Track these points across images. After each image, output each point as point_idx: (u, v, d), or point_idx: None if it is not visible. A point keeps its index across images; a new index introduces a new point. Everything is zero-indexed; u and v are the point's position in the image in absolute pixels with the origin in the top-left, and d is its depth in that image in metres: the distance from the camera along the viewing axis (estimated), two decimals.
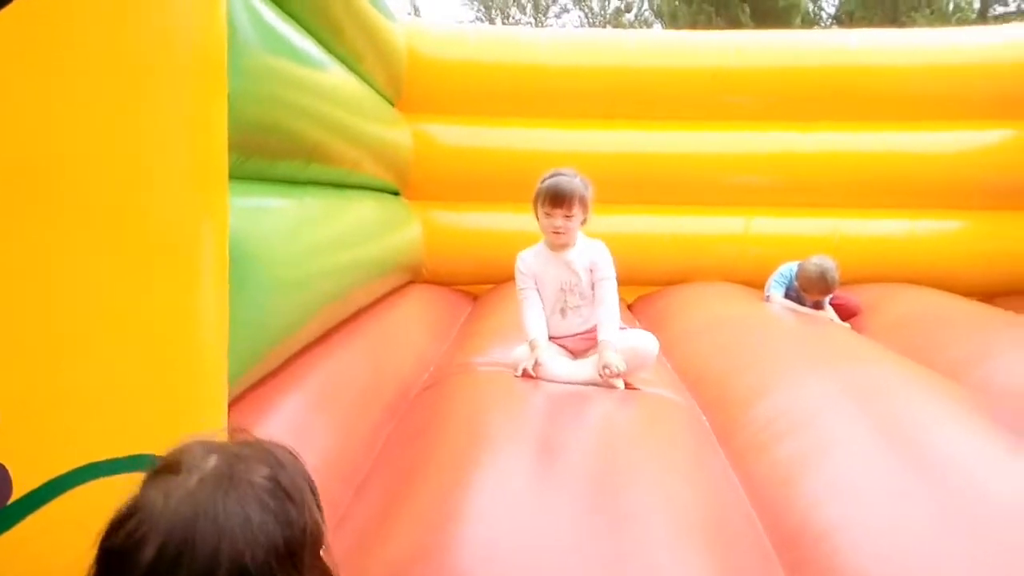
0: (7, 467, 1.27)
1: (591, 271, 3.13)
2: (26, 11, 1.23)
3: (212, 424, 1.48)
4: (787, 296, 4.78)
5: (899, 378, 2.89)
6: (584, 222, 3.15)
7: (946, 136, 5.60)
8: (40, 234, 1.27)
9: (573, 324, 3.17)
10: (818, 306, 4.69)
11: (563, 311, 3.17)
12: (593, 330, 3.11)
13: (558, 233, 3.10)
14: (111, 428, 1.32)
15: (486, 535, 1.75)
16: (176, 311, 1.40)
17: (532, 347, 3.05)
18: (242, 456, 0.96)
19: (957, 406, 2.57)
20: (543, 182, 3.13)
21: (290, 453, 1.01)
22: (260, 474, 0.95)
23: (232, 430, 1.08)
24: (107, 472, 1.29)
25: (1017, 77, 5.50)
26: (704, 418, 2.99)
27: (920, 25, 16.79)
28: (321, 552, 0.98)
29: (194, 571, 0.86)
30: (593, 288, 3.13)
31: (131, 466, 1.27)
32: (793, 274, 4.78)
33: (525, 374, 2.98)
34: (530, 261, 3.21)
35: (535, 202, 3.14)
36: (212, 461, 0.95)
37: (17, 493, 1.27)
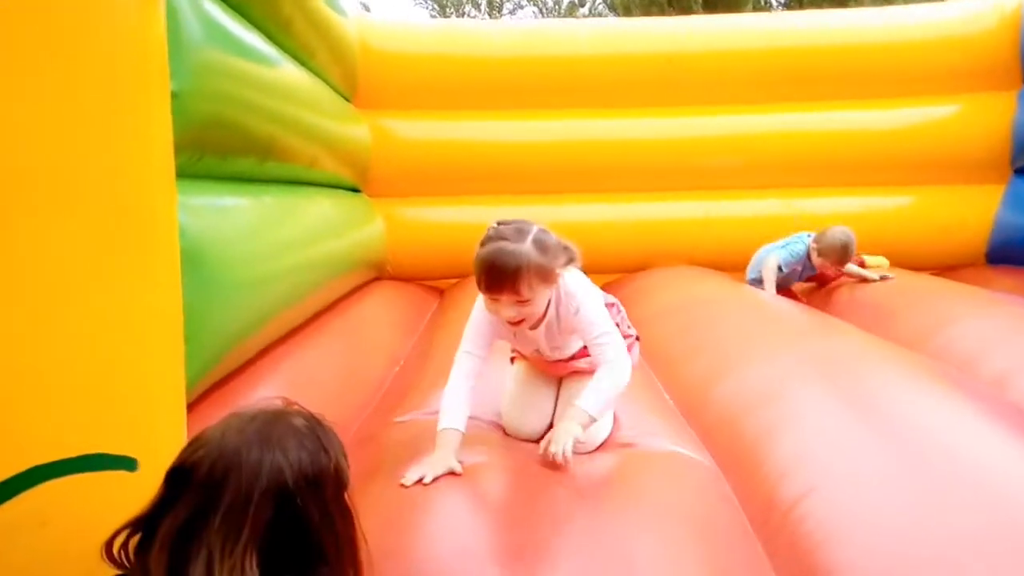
0: None
1: (572, 335, 2.35)
2: None
3: (170, 424, 1.46)
4: (793, 270, 4.85)
5: (861, 349, 2.94)
6: (551, 286, 2.18)
7: (896, 113, 5.69)
8: None
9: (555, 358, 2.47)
10: (824, 279, 4.91)
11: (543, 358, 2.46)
12: (577, 356, 2.42)
13: (515, 323, 2.20)
14: (62, 429, 1.30)
15: None
16: (125, 311, 1.38)
17: (441, 444, 2.08)
18: (288, 411, 1.22)
19: (915, 372, 2.63)
20: (480, 246, 2.11)
21: (328, 423, 1.24)
22: (300, 423, 1.19)
23: (282, 399, 1.26)
24: (59, 473, 1.26)
25: (961, 52, 5.60)
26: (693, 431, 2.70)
27: (866, 5, 17.08)
28: (345, 494, 1.20)
29: (240, 484, 1.10)
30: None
31: (83, 466, 1.26)
32: (805, 247, 4.83)
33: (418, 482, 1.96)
34: (494, 321, 2.24)
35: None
36: (264, 412, 1.19)
37: None
